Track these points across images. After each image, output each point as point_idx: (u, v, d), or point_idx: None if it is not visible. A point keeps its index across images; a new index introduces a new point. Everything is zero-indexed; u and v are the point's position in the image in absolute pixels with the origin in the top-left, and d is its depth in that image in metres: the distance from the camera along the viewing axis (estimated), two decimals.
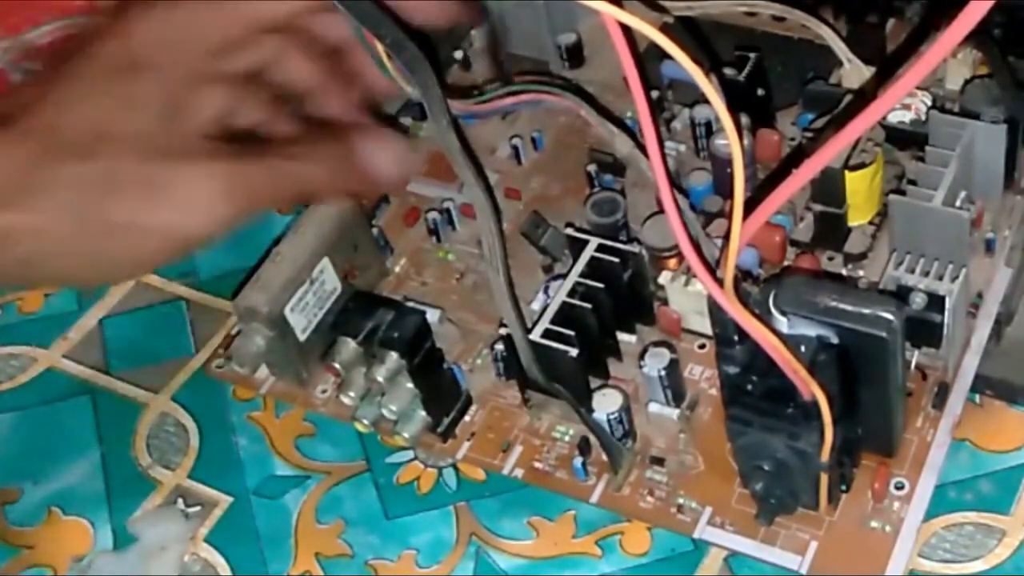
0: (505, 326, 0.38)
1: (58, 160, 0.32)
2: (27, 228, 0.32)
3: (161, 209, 0.33)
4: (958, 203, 0.39)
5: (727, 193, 0.43)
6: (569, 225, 0.42)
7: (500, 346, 0.41)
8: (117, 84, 0.34)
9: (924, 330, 0.38)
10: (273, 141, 0.36)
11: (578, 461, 0.39)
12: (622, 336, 0.42)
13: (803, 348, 0.34)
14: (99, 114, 0.33)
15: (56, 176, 0.32)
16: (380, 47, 0.36)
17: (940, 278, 0.38)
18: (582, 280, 0.40)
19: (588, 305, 0.39)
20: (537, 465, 0.40)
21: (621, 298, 0.41)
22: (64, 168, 0.33)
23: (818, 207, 0.42)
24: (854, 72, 0.44)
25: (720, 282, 0.32)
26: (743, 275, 0.41)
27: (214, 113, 0.35)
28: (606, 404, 0.39)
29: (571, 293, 0.40)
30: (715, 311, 0.34)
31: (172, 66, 0.35)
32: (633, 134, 0.39)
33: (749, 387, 0.35)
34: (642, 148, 0.36)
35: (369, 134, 0.38)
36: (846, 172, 0.41)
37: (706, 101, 0.30)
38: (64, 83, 0.34)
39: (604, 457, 0.39)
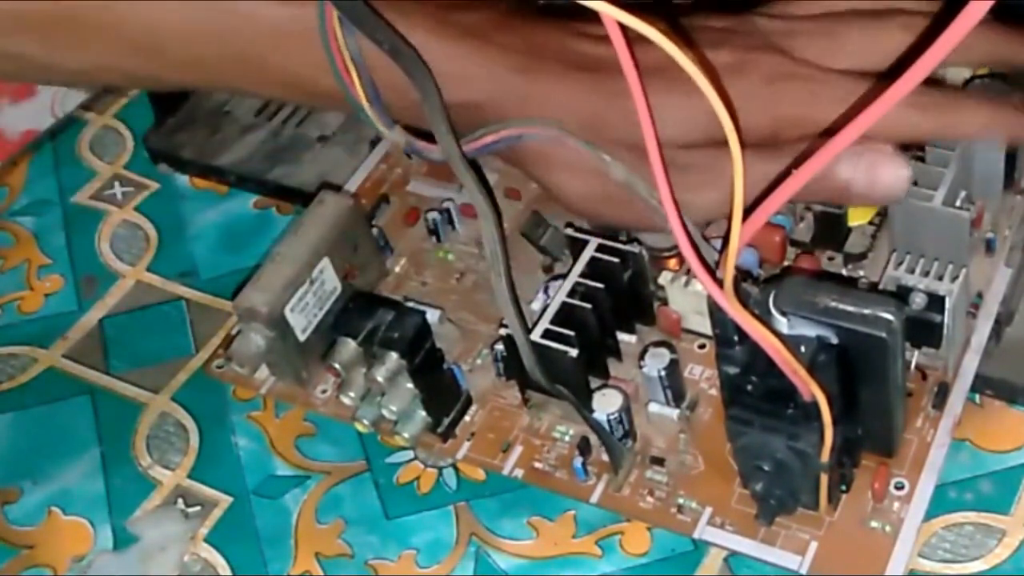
0: (505, 326, 0.38)
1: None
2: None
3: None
4: (958, 203, 0.39)
5: None
6: (569, 225, 0.42)
7: (500, 346, 0.41)
8: (733, 85, 0.36)
9: (924, 330, 0.38)
10: None
11: (578, 461, 0.39)
12: (622, 336, 0.42)
13: (803, 348, 0.34)
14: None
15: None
16: None
17: (940, 278, 0.38)
18: (582, 280, 0.40)
19: (588, 305, 0.39)
20: (537, 465, 0.40)
21: (621, 298, 0.41)
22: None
23: (818, 207, 0.42)
24: None
25: (720, 282, 0.32)
26: (743, 275, 0.41)
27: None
28: (606, 404, 0.39)
29: (571, 293, 0.40)
30: (715, 311, 0.34)
31: (771, 62, 0.38)
32: None
33: (749, 387, 0.35)
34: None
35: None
36: None
37: None
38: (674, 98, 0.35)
39: (604, 457, 0.39)
